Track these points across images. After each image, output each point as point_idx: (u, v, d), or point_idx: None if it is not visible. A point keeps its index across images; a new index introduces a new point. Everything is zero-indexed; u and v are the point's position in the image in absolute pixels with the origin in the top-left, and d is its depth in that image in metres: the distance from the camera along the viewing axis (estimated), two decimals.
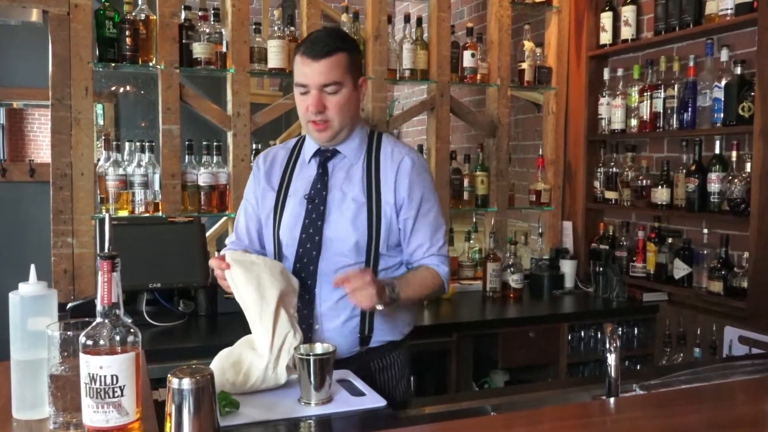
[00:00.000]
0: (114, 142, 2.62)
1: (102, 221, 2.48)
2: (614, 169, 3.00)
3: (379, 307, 1.57)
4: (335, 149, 1.71)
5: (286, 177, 1.76)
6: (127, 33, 2.54)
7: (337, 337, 1.66)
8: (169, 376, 1.08)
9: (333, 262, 1.66)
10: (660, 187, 2.72)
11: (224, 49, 2.67)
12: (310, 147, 1.74)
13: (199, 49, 2.62)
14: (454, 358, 2.48)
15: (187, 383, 1.06)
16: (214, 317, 2.51)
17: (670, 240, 2.77)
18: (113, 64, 2.58)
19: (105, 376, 0.99)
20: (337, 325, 1.68)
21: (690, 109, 2.61)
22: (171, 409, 1.07)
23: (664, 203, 2.71)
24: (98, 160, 2.61)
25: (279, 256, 1.74)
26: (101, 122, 2.67)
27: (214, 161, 2.69)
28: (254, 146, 2.76)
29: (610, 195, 3.00)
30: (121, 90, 2.87)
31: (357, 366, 1.66)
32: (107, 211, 2.58)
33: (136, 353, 1.03)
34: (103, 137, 2.61)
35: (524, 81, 3.14)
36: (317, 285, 1.66)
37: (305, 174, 1.73)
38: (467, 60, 2.96)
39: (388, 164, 1.69)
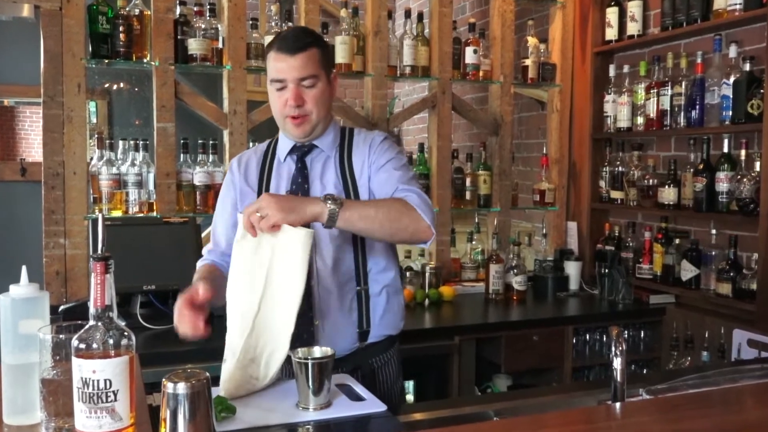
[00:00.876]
0: (107, 141, 2.62)
1: (95, 221, 2.51)
2: (620, 168, 3.00)
3: (324, 223, 1.48)
4: (312, 144, 1.74)
5: (264, 177, 1.78)
6: (121, 29, 2.55)
7: (336, 333, 1.68)
8: (163, 380, 1.08)
9: (326, 253, 1.68)
10: (667, 186, 2.72)
11: (220, 45, 2.68)
12: (284, 145, 1.77)
13: (194, 45, 2.62)
14: (455, 362, 2.48)
15: (182, 388, 1.06)
16: (210, 319, 2.46)
17: (677, 241, 2.77)
18: (106, 61, 2.58)
19: (98, 381, 0.98)
20: (336, 320, 1.69)
21: (698, 107, 2.61)
22: (166, 414, 1.07)
23: (671, 203, 2.71)
24: (91, 158, 2.61)
25: None
26: (94, 120, 2.68)
27: (210, 160, 2.69)
28: (251, 144, 2.75)
29: (616, 195, 3.00)
30: (115, 87, 2.88)
31: (357, 364, 1.69)
32: (100, 211, 2.58)
33: (130, 357, 1.02)
34: (96, 135, 2.62)
35: (528, 78, 3.14)
36: (313, 278, 1.66)
37: (282, 172, 1.76)
38: (469, 56, 2.96)
39: (360, 148, 1.74)
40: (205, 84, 3.11)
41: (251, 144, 2.76)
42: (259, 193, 1.75)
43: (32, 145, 3.53)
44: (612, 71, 3.02)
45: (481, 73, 3.03)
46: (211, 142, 2.69)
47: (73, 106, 2.54)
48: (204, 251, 1.86)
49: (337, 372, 1.58)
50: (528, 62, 3.12)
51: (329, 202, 1.48)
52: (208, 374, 1.11)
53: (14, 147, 3.63)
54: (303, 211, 1.46)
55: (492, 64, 3.08)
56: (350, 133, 1.80)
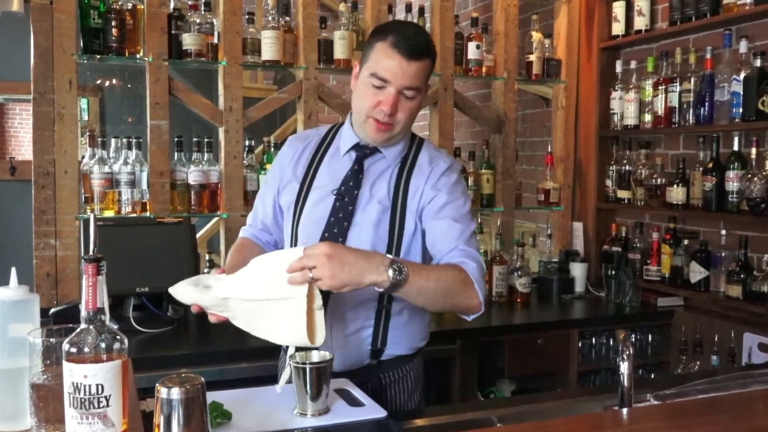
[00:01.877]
0: (99, 139, 2.62)
1: (86, 222, 2.50)
2: (627, 167, 3.00)
3: (380, 289, 1.41)
4: (377, 148, 1.68)
5: (312, 167, 1.73)
6: (113, 23, 2.55)
7: (346, 346, 1.63)
8: (157, 385, 1.08)
9: None
10: (675, 185, 2.72)
11: (215, 40, 2.68)
12: (348, 138, 1.70)
13: (189, 40, 2.63)
14: (457, 367, 2.48)
15: (176, 393, 1.06)
16: (205, 323, 2.39)
17: (686, 242, 2.77)
18: (98, 56, 2.58)
19: (90, 386, 0.99)
20: (348, 334, 1.64)
21: (707, 104, 2.61)
22: (159, 420, 1.07)
23: (679, 203, 2.71)
24: (82, 157, 2.61)
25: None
26: (86, 117, 2.68)
27: (205, 159, 2.69)
28: (247, 143, 2.76)
29: (623, 194, 3.00)
30: (107, 84, 2.87)
31: (365, 379, 1.64)
32: (92, 211, 2.58)
33: (123, 361, 1.02)
34: (87, 133, 2.62)
35: (532, 74, 3.14)
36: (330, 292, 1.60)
37: (335, 167, 1.70)
38: (472, 52, 2.96)
39: (422, 169, 1.67)
40: (200, 80, 3.12)
41: (247, 142, 2.77)
42: (303, 185, 1.70)
43: (22, 143, 3.52)
44: (619, 67, 3.02)
45: (483, 69, 3.03)
46: (206, 140, 2.69)
47: (64, 103, 2.54)
48: (247, 219, 1.85)
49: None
50: (532, 58, 3.13)
51: (395, 272, 1.39)
52: (203, 379, 1.10)
53: (3, 145, 3.61)
54: (361, 281, 1.37)
55: (495, 59, 3.09)
56: (418, 146, 1.73)
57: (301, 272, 1.33)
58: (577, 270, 3.03)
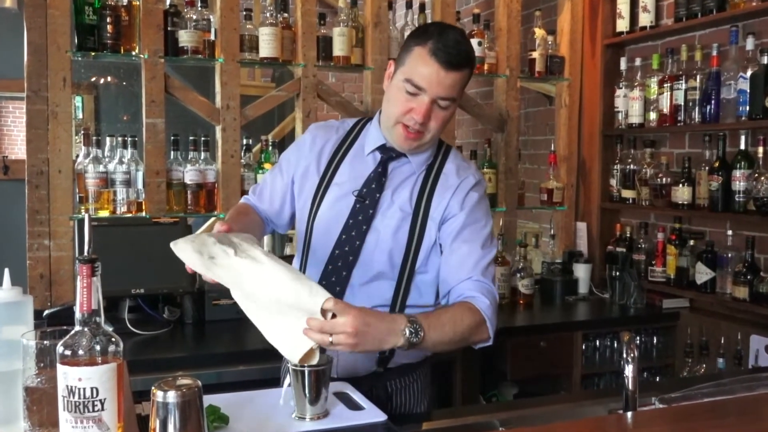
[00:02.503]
0: (94, 137, 2.63)
1: (81, 222, 2.48)
2: (632, 166, 3.00)
3: (400, 347, 1.43)
4: (403, 153, 1.67)
5: (333, 162, 1.71)
6: (108, 20, 2.55)
7: (351, 354, 1.58)
8: (153, 388, 1.08)
9: (366, 271, 1.62)
10: (681, 185, 2.72)
11: (212, 37, 2.68)
12: (374, 138, 1.69)
13: (185, 37, 2.63)
14: (459, 370, 2.48)
15: (172, 396, 1.06)
16: (202, 325, 2.52)
17: (691, 242, 2.77)
18: (93, 53, 2.58)
19: (84, 389, 0.99)
20: None
21: (713, 102, 2.61)
22: (155, 424, 1.07)
23: (685, 203, 2.71)
24: (77, 156, 2.61)
25: (306, 251, 1.69)
26: (80, 116, 2.69)
27: (202, 158, 2.69)
28: (245, 141, 2.76)
29: (627, 194, 3.00)
30: (102, 81, 2.88)
31: (371, 386, 1.63)
32: (86, 211, 2.58)
33: (118, 364, 1.03)
34: (82, 132, 2.62)
35: (535, 71, 3.14)
36: (345, 294, 1.61)
37: (357, 166, 1.68)
38: (474, 49, 2.96)
39: (447, 182, 1.66)
40: (197, 78, 3.12)
41: (245, 141, 2.77)
42: (323, 181, 1.69)
43: (15, 142, 3.52)
44: (623, 64, 3.02)
45: (485, 67, 3.03)
46: (203, 138, 2.69)
47: (59, 101, 2.54)
48: (250, 191, 1.82)
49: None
50: (535, 55, 3.13)
51: (410, 333, 1.42)
52: (199, 382, 1.10)
53: None
54: (380, 348, 1.43)
55: (497, 56, 3.09)
56: (445, 154, 1.72)
57: (320, 335, 1.32)
58: (581, 271, 3.03)
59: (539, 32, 3.12)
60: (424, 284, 1.66)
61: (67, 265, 2.57)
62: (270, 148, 2.79)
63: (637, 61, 2.97)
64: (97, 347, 1.01)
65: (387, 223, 1.62)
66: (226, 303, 2.50)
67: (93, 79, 2.70)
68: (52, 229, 2.55)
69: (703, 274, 2.67)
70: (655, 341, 2.84)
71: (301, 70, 2.78)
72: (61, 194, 2.54)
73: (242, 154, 2.74)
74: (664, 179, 2.83)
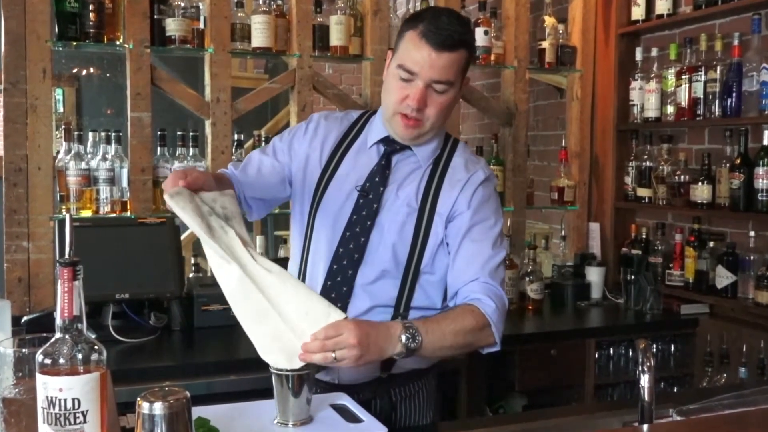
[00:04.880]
0: (76, 132, 2.62)
1: (62, 222, 2.45)
2: (648, 163, 3.00)
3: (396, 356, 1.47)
4: (407, 145, 1.68)
5: (336, 155, 1.72)
6: (91, 7, 2.54)
7: None
8: (138, 399, 1.08)
9: (371, 270, 1.64)
10: (700, 183, 2.72)
11: (201, 26, 2.68)
12: (377, 130, 1.70)
13: (172, 26, 2.63)
14: (464, 380, 2.47)
15: (159, 408, 1.06)
16: (190, 332, 2.51)
17: (711, 244, 2.77)
18: (74, 43, 2.58)
19: (65, 400, 0.99)
20: None
21: (734, 95, 2.61)
22: None
23: (704, 202, 2.71)
24: (57, 152, 2.61)
25: (306, 249, 1.70)
26: (61, 109, 2.69)
27: (190, 154, 2.69)
28: (236, 136, 2.76)
29: (643, 192, 3.00)
30: (84, 72, 2.87)
31: (375, 394, 1.65)
32: (68, 210, 2.57)
33: (101, 373, 1.03)
34: (63, 126, 2.62)
35: (545, 62, 3.14)
36: (353, 294, 1.63)
37: (361, 160, 1.70)
38: (480, 38, 2.95)
39: (456, 175, 1.68)
40: (185, 69, 3.12)
41: (236, 136, 2.77)
42: (325, 173, 1.70)
43: None
44: (639, 55, 3.02)
45: (492, 57, 3.02)
46: (191, 133, 2.69)
47: (38, 94, 2.54)
48: (230, 164, 1.80)
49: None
50: (545, 45, 3.12)
51: (408, 339, 1.45)
52: (188, 393, 1.10)
53: None
54: (383, 355, 1.45)
55: (505, 46, 3.08)
56: (453, 147, 1.73)
57: (322, 354, 1.37)
58: (594, 275, 3.03)
59: (549, 20, 3.12)
60: (431, 285, 1.67)
61: (47, 269, 2.56)
62: (263, 143, 2.77)
63: (654, 51, 2.96)
64: (79, 355, 1.01)
65: (392, 218, 1.64)
66: (216, 309, 2.50)
67: (75, 70, 2.70)
68: (31, 230, 2.54)
69: (723, 278, 2.67)
70: (672, 349, 2.84)
71: (296, 60, 2.78)
72: (40, 193, 2.54)
73: (233, 150, 2.74)
74: (682, 177, 2.83)
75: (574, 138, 3.28)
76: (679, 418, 1.48)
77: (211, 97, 2.72)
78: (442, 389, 2.35)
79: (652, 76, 2.94)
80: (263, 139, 2.80)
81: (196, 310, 2.51)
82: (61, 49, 2.64)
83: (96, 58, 2.64)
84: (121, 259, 2.40)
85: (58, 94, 2.48)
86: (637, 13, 3.03)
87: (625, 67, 3.09)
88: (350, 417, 1.47)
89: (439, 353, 1.59)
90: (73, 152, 2.58)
